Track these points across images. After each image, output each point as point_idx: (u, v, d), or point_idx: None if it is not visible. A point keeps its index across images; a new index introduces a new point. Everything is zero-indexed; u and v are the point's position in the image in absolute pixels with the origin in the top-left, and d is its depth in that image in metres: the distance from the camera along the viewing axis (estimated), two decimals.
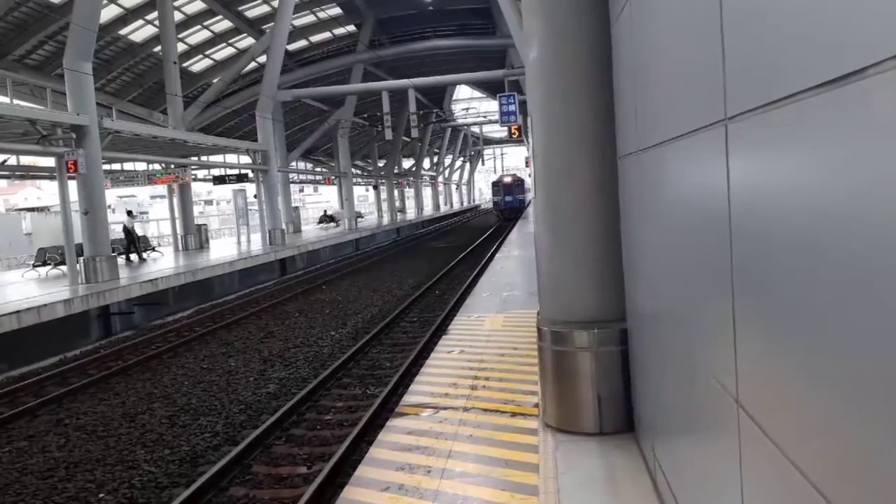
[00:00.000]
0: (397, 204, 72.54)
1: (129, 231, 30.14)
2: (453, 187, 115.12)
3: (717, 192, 2.91)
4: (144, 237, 33.30)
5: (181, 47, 35.22)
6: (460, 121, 74.81)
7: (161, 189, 40.81)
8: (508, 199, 67.87)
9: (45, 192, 72.21)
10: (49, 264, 25.69)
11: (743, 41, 2.56)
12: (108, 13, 29.66)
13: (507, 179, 70.27)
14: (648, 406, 5.56)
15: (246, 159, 37.09)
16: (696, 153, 3.37)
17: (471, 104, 72.15)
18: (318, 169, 64.23)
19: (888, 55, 1.50)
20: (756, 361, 2.62)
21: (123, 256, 29.42)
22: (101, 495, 8.72)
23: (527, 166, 44.94)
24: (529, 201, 70.65)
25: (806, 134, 2.02)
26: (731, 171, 2.75)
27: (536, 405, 7.73)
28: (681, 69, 3.61)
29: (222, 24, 37.65)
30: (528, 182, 62.94)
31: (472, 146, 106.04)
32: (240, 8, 37.25)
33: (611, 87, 6.39)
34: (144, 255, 30.40)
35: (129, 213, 32.36)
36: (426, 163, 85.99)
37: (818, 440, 2.04)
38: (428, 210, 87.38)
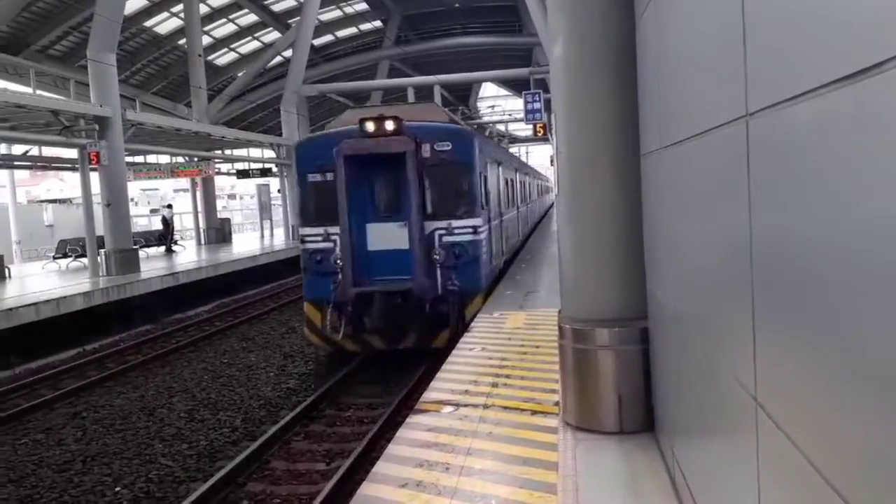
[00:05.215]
0: None
1: (167, 222, 30.71)
2: None
3: (736, 189, 2.86)
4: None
5: (206, 40, 35.37)
6: (486, 118, 73.31)
7: (184, 182, 40.98)
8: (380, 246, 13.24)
9: (67, 184, 72.53)
10: (70, 256, 25.80)
11: (764, 36, 2.51)
12: (133, 4, 29.82)
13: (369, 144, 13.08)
14: (668, 405, 5.51)
15: (270, 153, 37.17)
16: (716, 150, 3.32)
17: (496, 102, 71.54)
18: None
19: None
20: (775, 361, 2.58)
21: (164, 247, 30.15)
22: (118, 489, 8.75)
23: (552, 164, 43.74)
24: (544, 217, 45.36)
25: (828, 129, 1.96)
26: (752, 168, 2.70)
27: (557, 403, 7.66)
28: (703, 65, 3.56)
29: (248, 18, 37.82)
30: (547, 177, 49.95)
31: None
32: (266, 2, 37.39)
33: (635, 84, 6.32)
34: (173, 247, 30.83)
35: (169, 205, 32.97)
36: None
37: (836, 440, 2.00)
38: None
